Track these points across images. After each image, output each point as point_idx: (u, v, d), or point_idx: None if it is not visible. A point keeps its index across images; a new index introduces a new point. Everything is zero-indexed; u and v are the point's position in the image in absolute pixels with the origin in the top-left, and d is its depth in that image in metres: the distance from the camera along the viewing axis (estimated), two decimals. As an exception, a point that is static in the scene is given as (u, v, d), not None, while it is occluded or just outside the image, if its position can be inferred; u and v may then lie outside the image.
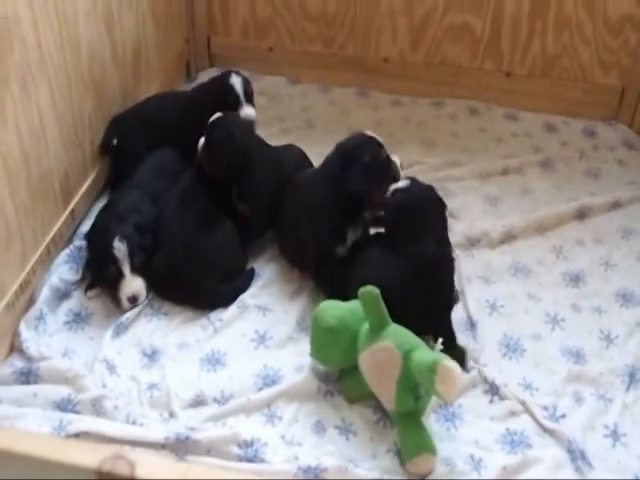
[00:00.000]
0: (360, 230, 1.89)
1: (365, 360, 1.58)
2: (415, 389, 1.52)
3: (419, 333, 1.59)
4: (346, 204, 1.83)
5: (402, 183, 1.79)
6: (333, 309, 1.66)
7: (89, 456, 0.96)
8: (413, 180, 1.81)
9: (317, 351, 1.67)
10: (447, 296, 1.79)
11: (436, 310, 1.75)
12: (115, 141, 2.14)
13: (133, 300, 1.83)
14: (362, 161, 1.81)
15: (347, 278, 1.76)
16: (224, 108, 2.04)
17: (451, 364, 1.42)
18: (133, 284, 1.82)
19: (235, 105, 2.13)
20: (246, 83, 2.18)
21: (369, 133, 1.88)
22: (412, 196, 1.77)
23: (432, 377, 1.42)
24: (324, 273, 1.87)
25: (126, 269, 1.81)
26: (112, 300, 1.86)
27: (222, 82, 2.17)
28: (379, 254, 1.78)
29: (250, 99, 2.18)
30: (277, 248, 2.03)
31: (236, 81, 2.16)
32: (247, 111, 2.13)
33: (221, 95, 2.13)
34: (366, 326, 1.60)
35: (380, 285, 1.57)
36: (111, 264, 1.80)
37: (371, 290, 1.55)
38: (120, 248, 1.79)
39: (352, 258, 1.83)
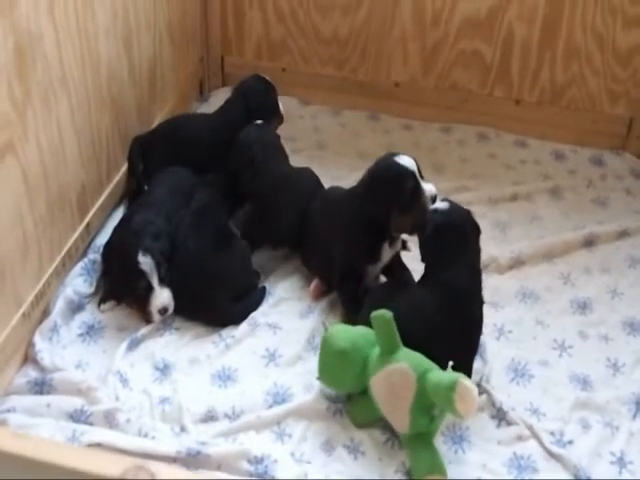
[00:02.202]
0: (399, 247, 1.91)
1: (377, 382, 1.59)
2: (430, 410, 1.53)
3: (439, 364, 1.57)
4: (376, 223, 1.83)
5: (440, 204, 1.74)
6: (344, 332, 1.66)
7: (111, 466, 0.97)
8: (451, 203, 1.75)
9: (327, 375, 1.67)
10: (476, 333, 1.74)
11: (463, 345, 1.70)
12: (141, 167, 2.20)
13: (164, 312, 1.83)
14: (382, 189, 1.80)
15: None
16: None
17: (469, 383, 1.44)
18: (162, 296, 1.83)
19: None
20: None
21: (401, 160, 1.81)
22: (451, 219, 1.71)
23: (451, 395, 1.43)
24: (347, 288, 1.89)
25: (154, 281, 1.81)
26: (140, 314, 1.86)
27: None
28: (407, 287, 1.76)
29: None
30: (289, 267, 2.06)
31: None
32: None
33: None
34: (377, 350, 1.61)
35: (406, 317, 1.59)
36: (140, 279, 1.80)
37: (384, 314, 1.57)
38: (146, 261, 1.80)
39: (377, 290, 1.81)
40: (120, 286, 1.87)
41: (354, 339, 1.64)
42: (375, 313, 1.58)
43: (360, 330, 1.67)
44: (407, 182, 1.80)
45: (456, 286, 1.67)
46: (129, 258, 1.80)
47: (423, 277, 1.75)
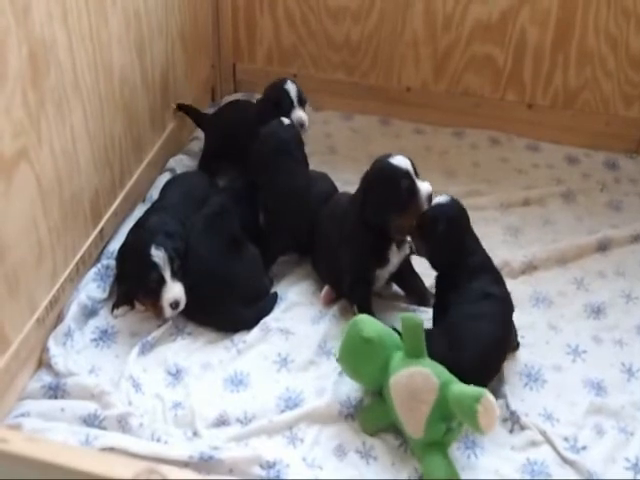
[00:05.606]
0: (408, 251, 1.91)
1: (399, 381, 1.57)
2: (447, 420, 1.52)
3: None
4: (378, 227, 1.82)
5: (442, 198, 1.82)
6: (374, 323, 1.65)
7: (123, 469, 0.97)
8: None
9: (347, 359, 1.65)
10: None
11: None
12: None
13: (175, 306, 1.83)
14: (378, 191, 1.79)
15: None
16: (278, 112, 2.18)
17: (493, 398, 1.44)
18: (174, 289, 1.82)
19: (288, 109, 2.23)
20: (300, 89, 2.29)
21: (395, 160, 1.80)
22: (458, 208, 1.83)
23: (475, 406, 1.43)
24: (358, 294, 1.88)
25: (167, 274, 1.81)
26: (153, 311, 1.86)
27: (277, 87, 2.28)
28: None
29: (302, 104, 2.27)
30: (300, 272, 2.06)
31: (291, 87, 2.26)
32: (299, 114, 2.24)
33: (276, 99, 2.22)
34: (399, 354, 1.60)
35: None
36: (153, 271, 1.80)
37: (413, 317, 1.58)
38: (158, 255, 1.80)
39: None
40: (133, 282, 1.87)
41: (382, 334, 1.63)
42: (405, 315, 1.59)
43: (389, 330, 1.67)
44: (402, 182, 1.78)
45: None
46: (142, 252, 1.81)
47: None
